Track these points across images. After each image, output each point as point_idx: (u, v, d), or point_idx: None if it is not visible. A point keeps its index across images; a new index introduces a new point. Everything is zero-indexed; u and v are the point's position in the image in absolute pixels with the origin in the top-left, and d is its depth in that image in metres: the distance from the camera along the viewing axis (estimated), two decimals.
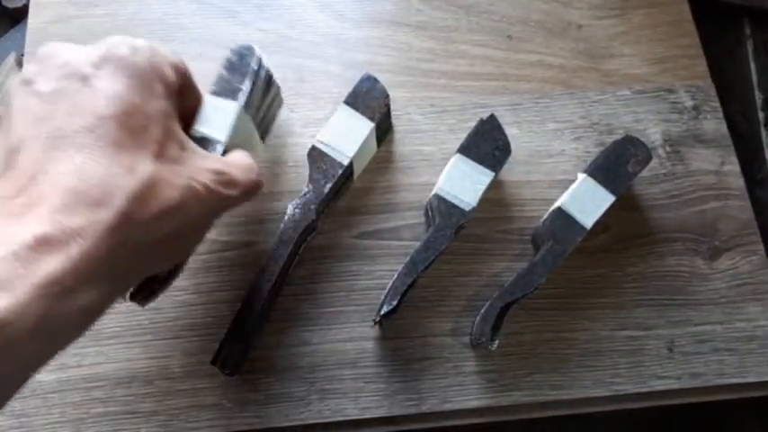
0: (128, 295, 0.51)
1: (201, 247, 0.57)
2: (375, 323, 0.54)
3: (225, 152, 0.52)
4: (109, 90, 0.40)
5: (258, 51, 0.55)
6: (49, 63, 0.41)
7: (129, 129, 0.39)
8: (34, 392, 0.53)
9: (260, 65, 0.55)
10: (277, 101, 0.61)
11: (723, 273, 0.60)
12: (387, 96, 0.58)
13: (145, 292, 0.51)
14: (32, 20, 0.66)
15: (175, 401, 0.53)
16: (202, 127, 0.52)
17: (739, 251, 0.61)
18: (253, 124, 0.56)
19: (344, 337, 0.56)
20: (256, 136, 0.57)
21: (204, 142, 0.52)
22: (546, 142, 0.63)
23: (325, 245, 0.58)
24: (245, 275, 0.57)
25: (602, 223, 0.58)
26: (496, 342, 0.53)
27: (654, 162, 0.63)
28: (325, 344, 0.55)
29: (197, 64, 0.64)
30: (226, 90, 0.53)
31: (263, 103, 0.57)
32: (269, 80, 0.58)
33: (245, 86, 0.53)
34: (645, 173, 0.62)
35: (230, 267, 0.57)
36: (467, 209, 0.55)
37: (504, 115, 0.64)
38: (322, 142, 0.56)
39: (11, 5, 0.75)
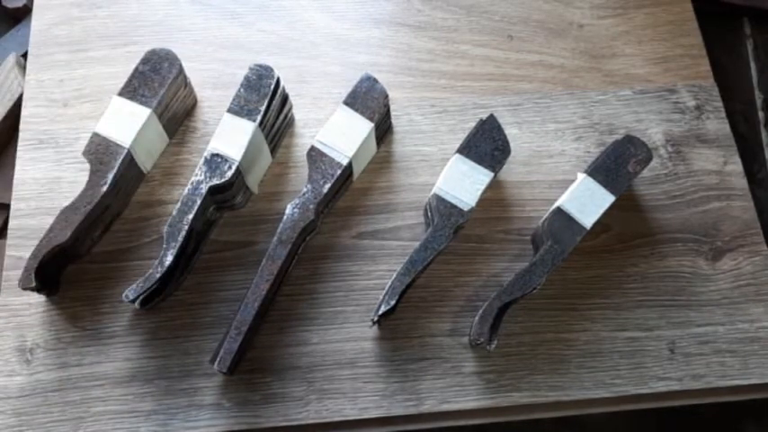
0: (126, 295, 0.51)
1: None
2: (373, 323, 0.54)
3: (238, 169, 0.53)
4: None
5: (276, 72, 0.56)
6: None
7: None
8: (34, 391, 0.53)
9: (277, 85, 0.56)
10: (289, 118, 0.62)
11: (725, 273, 0.59)
12: (386, 97, 0.58)
13: (144, 296, 0.52)
14: (36, 22, 0.66)
15: (174, 401, 0.53)
16: (219, 144, 0.54)
17: (742, 252, 0.60)
18: (265, 141, 0.57)
19: (343, 336, 0.56)
20: (267, 150, 0.58)
21: (219, 159, 0.53)
22: (546, 142, 0.63)
23: (325, 245, 0.59)
24: (245, 275, 0.57)
25: (602, 223, 0.58)
26: (495, 342, 0.53)
27: (655, 162, 0.62)
28: (324, 344, 0.55)
29: (197, 65, 0.65)
30: (243, 109, 0.55)
31: (276, 120, 0.58)
32: (284, 100, 0.59)
33: (262, 107, 0.55)
34: (646, 173, 0.61)
35: (229, 267, 0.57)
36: (465, 209, 0.55)
37: (505, 115, 0.64)
38: (321, 142, 0.56)
39: (11, 5, 0.75)
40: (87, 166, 0.54)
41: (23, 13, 0.76)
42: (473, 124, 0.58)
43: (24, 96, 0.63)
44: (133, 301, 0.52)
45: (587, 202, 0.56)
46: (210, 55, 0.66)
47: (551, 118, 0.64)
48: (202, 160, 0.54)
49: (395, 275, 0.53)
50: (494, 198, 0.61)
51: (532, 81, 0.66)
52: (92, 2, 0.68)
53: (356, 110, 0.57)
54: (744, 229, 0.61)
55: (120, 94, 0.56)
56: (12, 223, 0.58)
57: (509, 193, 0.61)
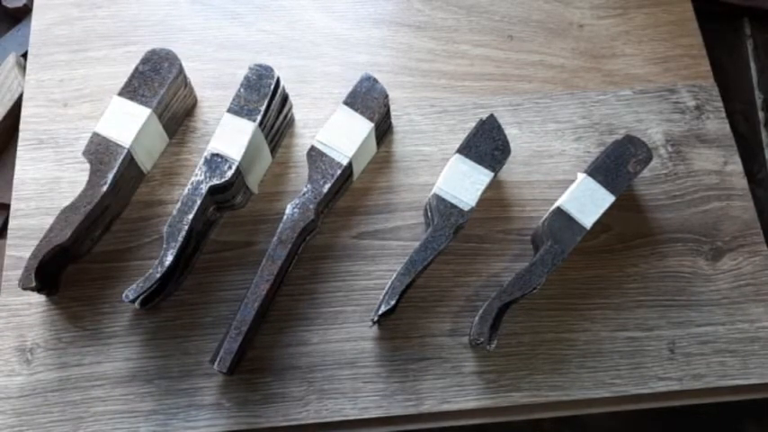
0: (126, 295, 0.51)
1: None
2: (373, 323, 0.54)
3: (238, 169, 0.53)
4: None
5: (276, 72, 0.56)
6: None
7: None
8: (34, 391, 0.53)
9: (277, 85, 0.56)
10: (289, 118, 0.62)
11: (725, 273, 0.59)
12: (386, 97, 0.58)
13: (144, 296, 0.52)
14: (36, 22, 0.66)
15: (174, 401, 0.53)
16: (219, 144, 0.54)
17: (742, 252, 0.60)
18: (266, 141, 0.57)
19: (343, 336, 0.56)
20: (267, 150, 0.58)
21: (219, 159, 0.53)
22: (546, 142, 0.63)
23: (325, 245, 0.59)
24: (245, 275, 0.57)
25: (602, 223, 0.58)
26: (495, 342, 0.53)
27: (655, 162, 0.62)
28: (324, 344, 0.55)
29: (197, 65, 0.65)
30: (243, 109, 0.55)
31: (276, 120, 0.58)
32: (284, 100, 0.59)
33: (262, 107, 0.55)
34: (646, 173, 0.61)
35: (230, 267, 0.57)
36: (465, 209, 0.55)
37: (505, 115, 0.64)
38: (321, 142, 0.56)
39: (11, 5, 0.75)
40: (87, 166, 0.54)
41: (23, 13, 0.76)
42: (473, 124, 0.58)
43: (24, 96, 0.63)
44: (133, 301, 0.52)
45: (587, 202, 0.56)
46: (210, 55, 0.66)
47: (551, 118, 0.64)
48: (202, 160, 0.54)
49: (395, 275, 0.53)
50: (494, 198, 0.61)
51: (532, 81, 0.66)
52: (92, 2, 0.68)
53: (356, 110, 0.57)
54: (744, 229, 0.61)
55: (120, 94, 0.56)
56: (12, 223, 0.58)
57: (509, 193, 0.61)
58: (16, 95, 0.69)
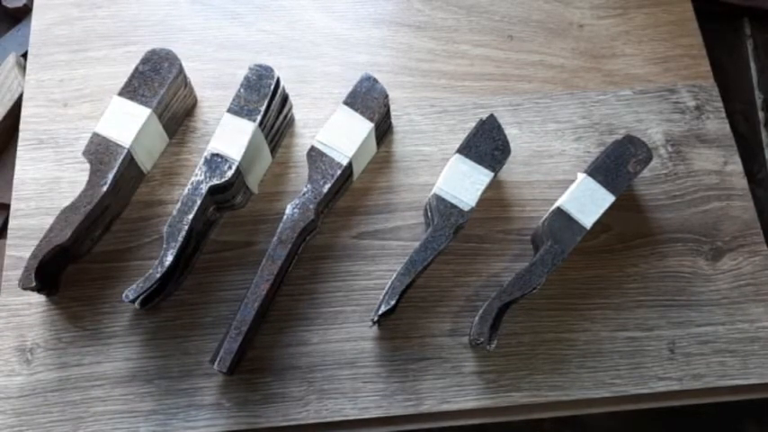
0: (126, 295, 0.51)
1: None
2: (373, 323, 0.54)
3: (238, 169, 0.53)
4: None
5: (276, 72, 0.56)
6: None
7: None
8: (34, 391, 0.53)
9: (277, 85, 0.56)
10: (289, 118, 0.62)
11: (725, 273, 0.59)
12: (386, 97, 0.58)
13: (144, 296, 0.52)
14: (36, 22, 0.66)
15: (174, 401, 0.53)
16: (219, 144, 0.54)
17: (742, 252, 0.60)
18: (266, 141, 0.57)
19: (343, 336, 0.56)
20: (267, 150, 0.58)
21: (219, 159, 0.53)
22: (546, 142, 0.63)
23: (325, 245, 0.59)
24: (245, 275, 0.57)
25: (602, 223, 0.58)
26: (495, 342, 0.53)
27: (655, 162, 0.62)
28: (324, 344, 0.55)
29: (197, 65, 0.65)
30: (243, 109, 0.55)
31: (276, 120, 0.59)
32: (284, 100, 0.59)
33: (262, 107, 0.55)
34: (646, 173, 0.61)
35: (229, 267, 0.57)
36: (465, 209, 0.55)
37: (505, 115, 0.64)
38: (321, 142, 0.56)
39: (11, 5, 0.75)
40: (87, 166, 0.54)
41: (23, 13, 0.76)
42: (473, 124, 0.58)
43: (24, 96, 0.63)
44: (133, 301, 0.52)
45: (587, 202, 0.56)
46: (210, 55, 0.66)
47: (551, 118, 0.64)
48: (202, 160, 0.54)
49: (395, 275, 0.53)
50: (494, 198, 0.61)
51: (532, 81, 0.66)
52: (92, 2, 0.68)
53: (356, 110, 0.57)
54: (744, 229, 0.61)
55: (120, 94, 0.56)
56: (12, 223, 0.58)
57: (509, 193, 0.61)
58: (16, 95, 0.69)
